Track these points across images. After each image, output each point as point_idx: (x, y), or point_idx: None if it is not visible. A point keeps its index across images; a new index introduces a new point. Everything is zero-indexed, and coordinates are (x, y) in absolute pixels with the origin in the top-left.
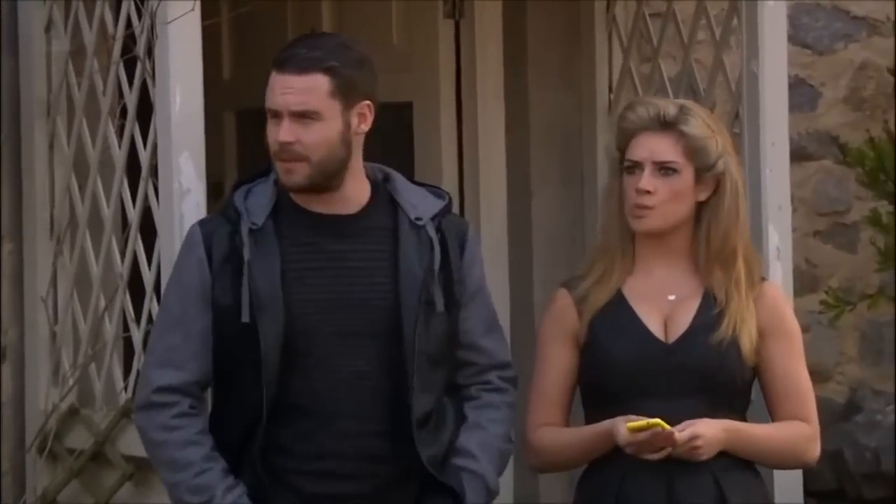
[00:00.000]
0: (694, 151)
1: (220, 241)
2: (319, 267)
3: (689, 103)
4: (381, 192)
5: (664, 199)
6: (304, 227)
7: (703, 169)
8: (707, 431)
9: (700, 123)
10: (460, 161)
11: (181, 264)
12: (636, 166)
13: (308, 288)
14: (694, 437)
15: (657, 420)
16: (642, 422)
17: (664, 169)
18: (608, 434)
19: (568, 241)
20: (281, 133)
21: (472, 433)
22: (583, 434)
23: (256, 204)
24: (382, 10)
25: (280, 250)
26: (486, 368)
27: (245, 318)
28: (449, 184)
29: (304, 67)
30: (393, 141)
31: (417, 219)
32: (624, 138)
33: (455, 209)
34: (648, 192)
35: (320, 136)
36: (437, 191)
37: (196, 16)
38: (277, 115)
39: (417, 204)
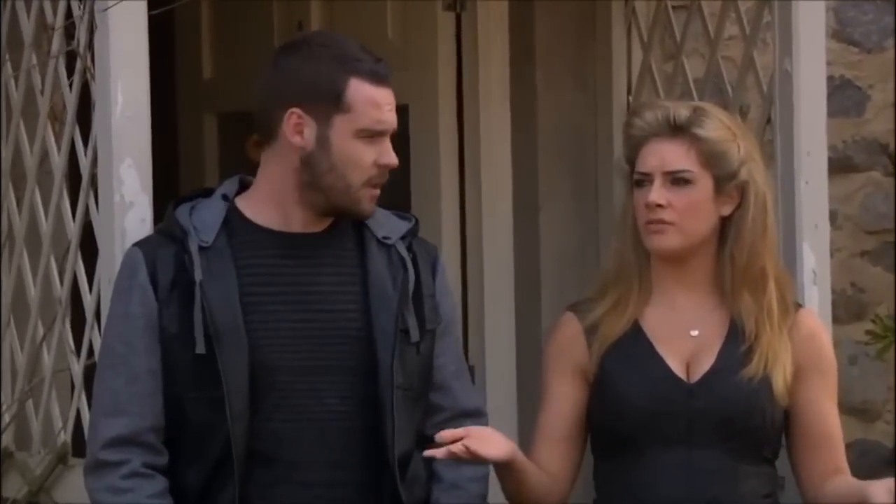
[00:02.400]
0: (711, 158)
1: (165, 262)
2: (281, 292)
3: (705, 104)
4: None
5: (680, 214)
6: (262, 247)
7: (724, 178)
8: None
9: (718, 126)
10: (461, 170)
11: (121, 294)
12: (646, 178)
13: (269, 315)
14: None
15: None
16: None
17: (677, 179)
18: None
19: (580, 259)
20: (392, 155)
21: (451, 494)
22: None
23: (203, 220)
24: (376, 3)
25: (236, 272)
26: (456, 415)
27: (199, 348)
28: (449, 195)
29: (391, 81)
30: None
31: (385, 238)
32: (632, 148)
33: (455, 224)
34: (660, 206)
35: None
36: (400, 213)
37: (140, 1)
38: (381, 134)
39: (383, 223)
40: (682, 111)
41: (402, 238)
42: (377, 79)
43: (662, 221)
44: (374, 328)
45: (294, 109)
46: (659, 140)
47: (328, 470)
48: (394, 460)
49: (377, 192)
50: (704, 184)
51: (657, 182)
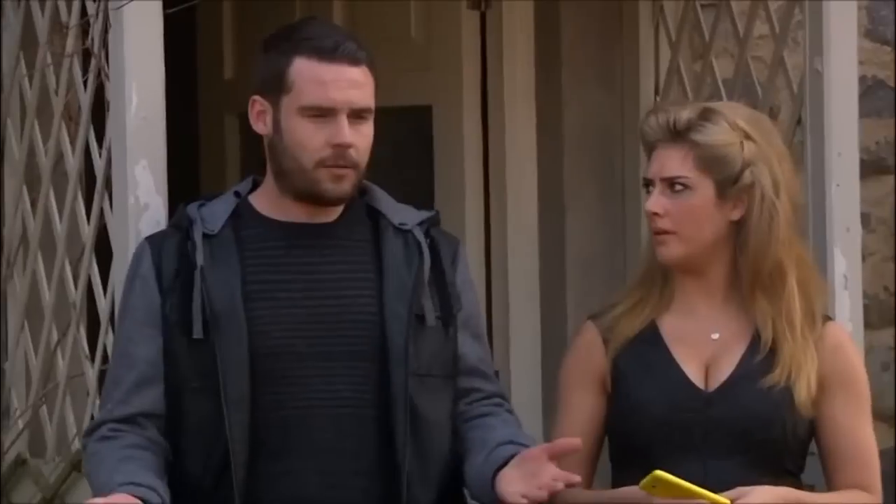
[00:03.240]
0: (709, 163)
1: (170, 252)
2: (290, 279)
3: (718, 105)
4: (358, 204)
5: (678, 222)
6: (272, 238)
7: (726, 182)
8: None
9: (720, 129)
10: (485, 171)
11: (126, 284)
12: (650, 185)
13: (277, 302)
14: None
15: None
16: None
17: (674, 186)
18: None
19: (607, 263)
20: (344, 133)
21: (509, 425)
22: (606, 499)
23: (212, 212)
24: (399, 2)
25: (241, 260)
26: (493, 394)
27: (197, 332)
28: (473, 197)
29: (358, 58)
30: (409, 149)
31: (402, 223)
32: (647, 153)
33: (479, 226)
34: (657, 215)
35: (369, 139)
36: (420, 209)
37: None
38: (329, 112)
39: (400, 211)
40: (682, 115)
41: (420, 224)
42: (323, 54)
43: (664, 231)
44: (387, 312)
45: (255, 97)
46: (662, 146)
47: (342, 459)
48: (402, 448)
49: (343, 171)
50: (704, 190)
51: (656, 189)
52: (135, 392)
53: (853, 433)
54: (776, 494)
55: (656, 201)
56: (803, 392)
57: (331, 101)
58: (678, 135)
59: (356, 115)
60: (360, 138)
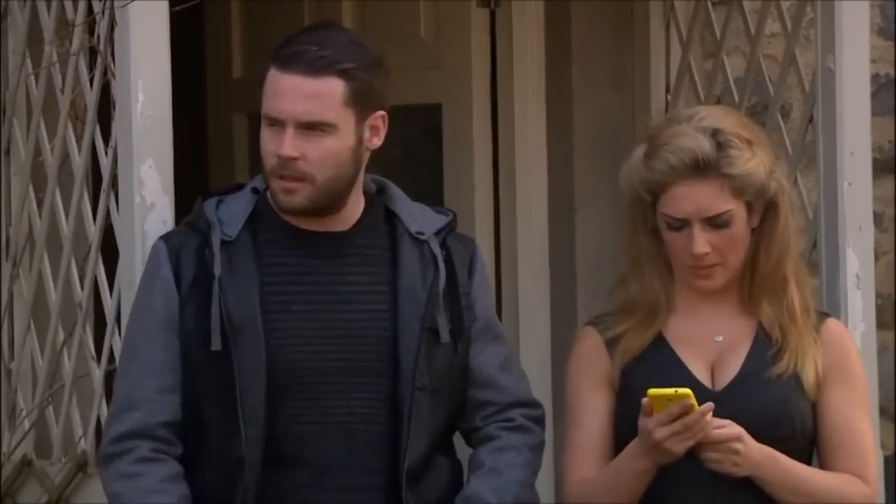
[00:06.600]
0: (743, 188)
1: (189, 256)
2: (306, 291)
3: (715, 119)
4: (376, 204)
5: (725, 253)
6: (288, 246)
7: (757, 199)
8: (748, 441)
9: (740, 152)
10: (495, 171)
11: (143, 286)
12: (682, 223)
13: (293, 315)
14: (735, 438)
15: (686, 390)
16: (668, 390)
17: (717, 221)
18: (637, 445)
19: (617, 263)
20: (284, 145)
21: (486, 479)
22: (614, 464)
23: (230, 213)
24: (408, 0)
25: (258, 269)
26: (508, 406)
27: (215, 345)
28: (482, 196)
29: (317, 68)
30: (419, 147)
31: (419, 233)
32: (655, 186)
33: (489, 226)
34: (706, 254)
35: (329, 152)
36: (438, 208)
37: None
38: (279, 123)
39: (417, 217)
40: (705, 147)
41: (438, 233)
42: (283, 64)
43: (711, 265)
44: (399, 327)
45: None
46: (687, 183)
47: (354, 474)
48: (402, 464)
49: (290, 185)
50: (740, 214)
51: (697, 228)
52: (157, 398)
53: (849, 423)
54: (759, 446)
55: (703, 241)
56: (811, 375)
57: (276, 112)
58: (708, 169)
59: (308, 126)
60: (313, 150)
